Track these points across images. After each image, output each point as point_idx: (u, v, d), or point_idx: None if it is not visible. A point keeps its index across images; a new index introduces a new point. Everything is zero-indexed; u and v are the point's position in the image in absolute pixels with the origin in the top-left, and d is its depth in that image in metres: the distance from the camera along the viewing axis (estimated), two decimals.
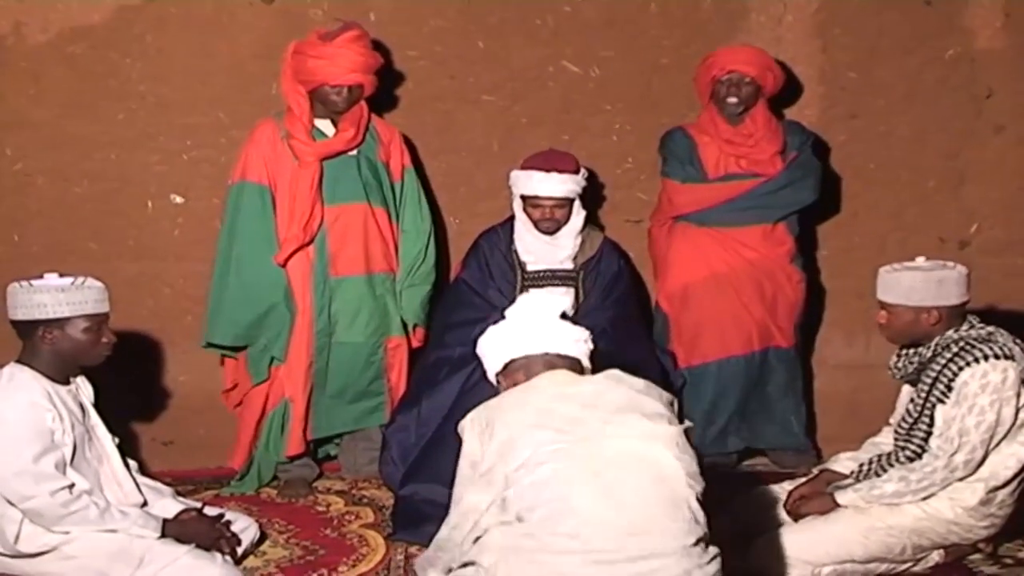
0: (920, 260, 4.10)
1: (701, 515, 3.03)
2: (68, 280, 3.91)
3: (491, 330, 3.54)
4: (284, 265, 4.91)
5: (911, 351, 4.15)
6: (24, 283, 3.89)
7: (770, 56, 5.30)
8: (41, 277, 3.92)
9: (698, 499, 3.04)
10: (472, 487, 3.15)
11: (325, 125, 5.01)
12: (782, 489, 4.29)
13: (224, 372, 5.16)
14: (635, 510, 2.95)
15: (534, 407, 3.15)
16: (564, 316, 3.56)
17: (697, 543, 2.99)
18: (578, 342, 3.45)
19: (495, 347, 3.49)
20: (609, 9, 5.63)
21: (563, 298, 4.06)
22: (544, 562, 2.92)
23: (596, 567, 2.90)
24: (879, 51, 5.75)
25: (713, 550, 3.05)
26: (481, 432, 3.16)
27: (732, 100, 5.21)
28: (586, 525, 2.92)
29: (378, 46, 5.20)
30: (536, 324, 3.46)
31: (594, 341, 4.90)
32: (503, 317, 3.56)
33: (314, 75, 4.88)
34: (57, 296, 3.84)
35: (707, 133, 5.30)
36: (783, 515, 4.18)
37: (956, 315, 4.04)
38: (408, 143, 5.29)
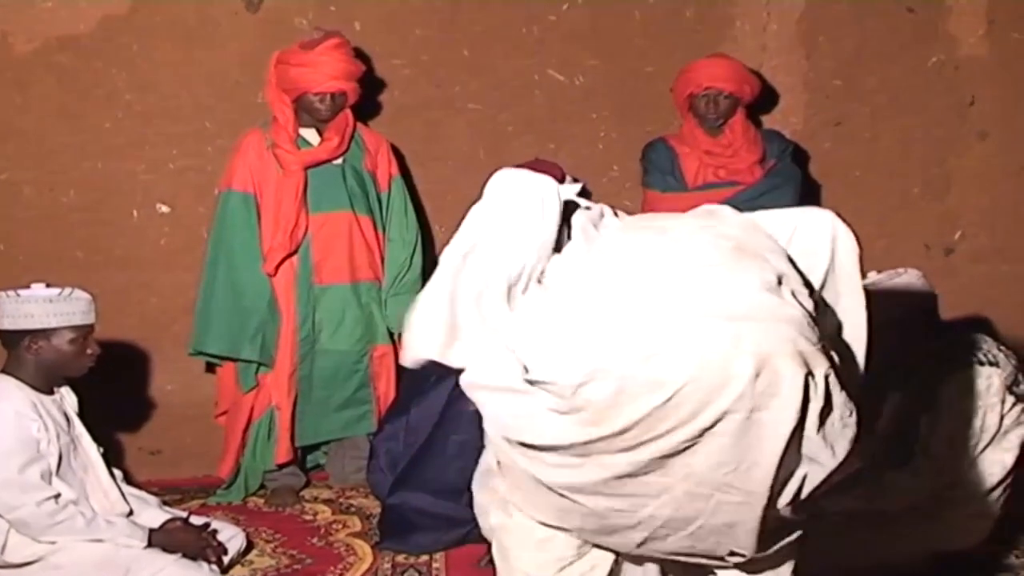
0: (872, 275, 4.12)
1: None
2: (56, 291, 3.91)
3: None
4: (274, 274, 4.92)
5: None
6: (11, 293, 3.88)
7: (745, 68, 5.31)
8: (28, 287, 3.92)
9: None
10: None
11: (310, 134, 5.02)
12: None
13: (217, 386, 5.17)
14: None
15: None
16: None
17: None
18: None
19: None
20: (594, 18, 5.64)
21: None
22: None
23: None
24: (863, 58, 5.77)
25: None
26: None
27: (711, 116, 5.23)
28: None
29: (363, 55, 5.22)
30: None
31: None
32: None
33: (297, 83, 4.90)
34: (45, 307, 3.84)
35: (687, 144, 5.31)
36: None
37: (936, 317, 4.08)
38: (395, 152, 5.30)
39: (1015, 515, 4.21)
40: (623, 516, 2.70)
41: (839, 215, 2.83)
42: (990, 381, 3.90)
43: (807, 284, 2.70)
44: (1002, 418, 3.94)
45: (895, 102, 5.82)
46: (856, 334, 2.81)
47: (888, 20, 5.75)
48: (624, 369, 2.51)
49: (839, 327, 2.80)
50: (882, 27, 5.75)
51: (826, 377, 2.54)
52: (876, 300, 3.97)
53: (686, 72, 5.26)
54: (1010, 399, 3.95)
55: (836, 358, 2.61)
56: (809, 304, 2.63)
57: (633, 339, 2.52)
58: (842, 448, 2.60)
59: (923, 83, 5.80)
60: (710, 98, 5.20)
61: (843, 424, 2.59)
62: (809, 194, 5.50)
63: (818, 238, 2.81)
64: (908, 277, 4.06)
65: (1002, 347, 4.05)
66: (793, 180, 5.31)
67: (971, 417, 3.89)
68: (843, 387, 2.59)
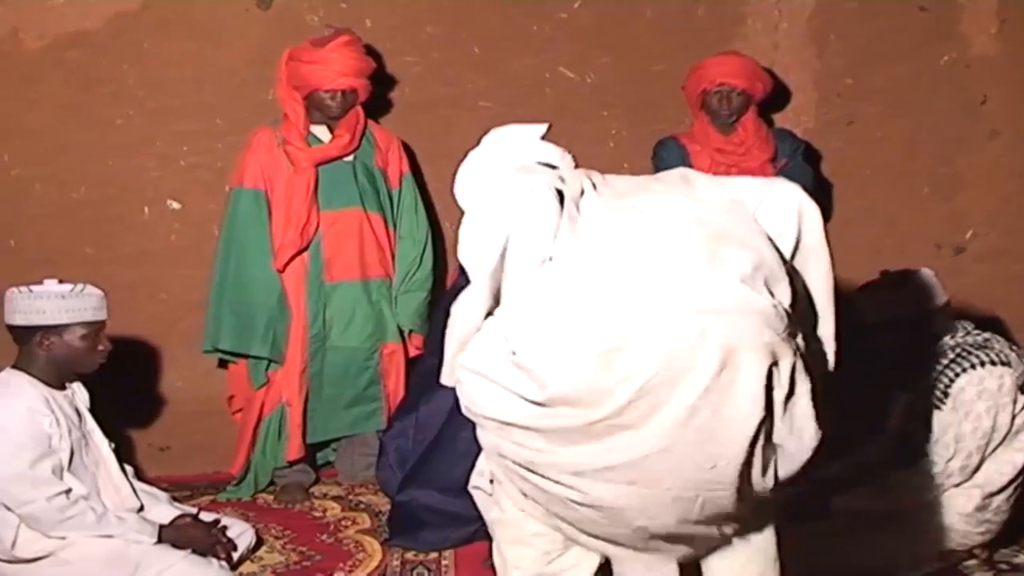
0: (884, 274, 4.12)
1: None
2: (68, 287, 3.92)
3: None
4: (283, 271, 4.93)
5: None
6: (24, 289, 3.90)
7: (757, 64, 5.30)
8: (40, 283, 3.93)
9: None
10: None
11: (321, 131, 5.03)
12: None
13: (228, 379, 5.18)
14: None
15: None
16: None
17: None
18: None
19: None
20: (604, 16, 5.63)
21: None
22: None
23: None
24: (874, 57, 5.75)
25: None
26: None
27: (724, 112, 5.21)
28: None
29: (374, 53, 5.22)
30: None
31: None
32: None
33: (307, 80, 4.91)
34: (57, 303, 3.85)
35: (698, 142, 5.28)
36: None
37: (948, 317, 4.07)
38: (407, 150, 5.30)
39: None
40: (614, 525, 2.76)
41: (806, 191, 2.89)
42: (1002, 381, 3.89)
43: (783, 261, 2.74)
44: (1013, 418, 3.93)
45: (906, 101, 5.80)
46: (823, 306, 2.87)
47: (899, 19, 5.73)
48: (595, 361, 2.55)
49: (811, 303, 2.84)
50: (893, 25, 5.73)
51: (792, 366, 2.58)
52: (887, 300, 4.02)
53: (698, 69, 5.25)
54: (1022, 399, 3.94)
55: (802, 345, 2.65)
56: (783, 289, 2.67)
57: (605, 332, 2.56)
58: (810, 436, 2.64)
59: (934, 82, 5.78)
60: (723, 94, 5.19)
61: (812, 410, 2.62)
62: (819, 193, 5.48)
63: (784, 212, 2.85)
64: (919, 277, 4.06)
65: (1014, 347, 4.05)
66: (804, 179, 5.28)
67: (982, 417, 3.89)
68: (809, 375, 2.63)
